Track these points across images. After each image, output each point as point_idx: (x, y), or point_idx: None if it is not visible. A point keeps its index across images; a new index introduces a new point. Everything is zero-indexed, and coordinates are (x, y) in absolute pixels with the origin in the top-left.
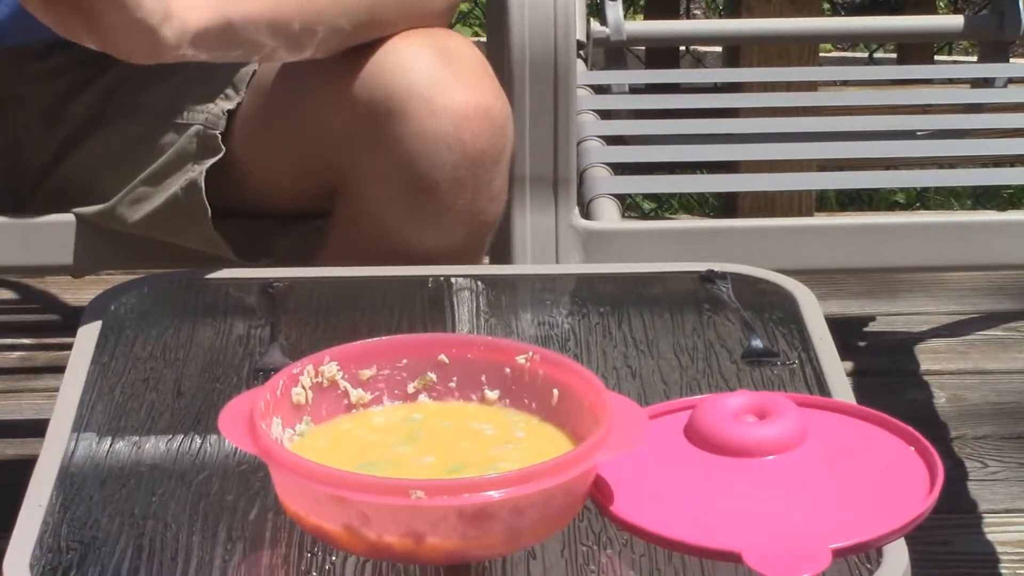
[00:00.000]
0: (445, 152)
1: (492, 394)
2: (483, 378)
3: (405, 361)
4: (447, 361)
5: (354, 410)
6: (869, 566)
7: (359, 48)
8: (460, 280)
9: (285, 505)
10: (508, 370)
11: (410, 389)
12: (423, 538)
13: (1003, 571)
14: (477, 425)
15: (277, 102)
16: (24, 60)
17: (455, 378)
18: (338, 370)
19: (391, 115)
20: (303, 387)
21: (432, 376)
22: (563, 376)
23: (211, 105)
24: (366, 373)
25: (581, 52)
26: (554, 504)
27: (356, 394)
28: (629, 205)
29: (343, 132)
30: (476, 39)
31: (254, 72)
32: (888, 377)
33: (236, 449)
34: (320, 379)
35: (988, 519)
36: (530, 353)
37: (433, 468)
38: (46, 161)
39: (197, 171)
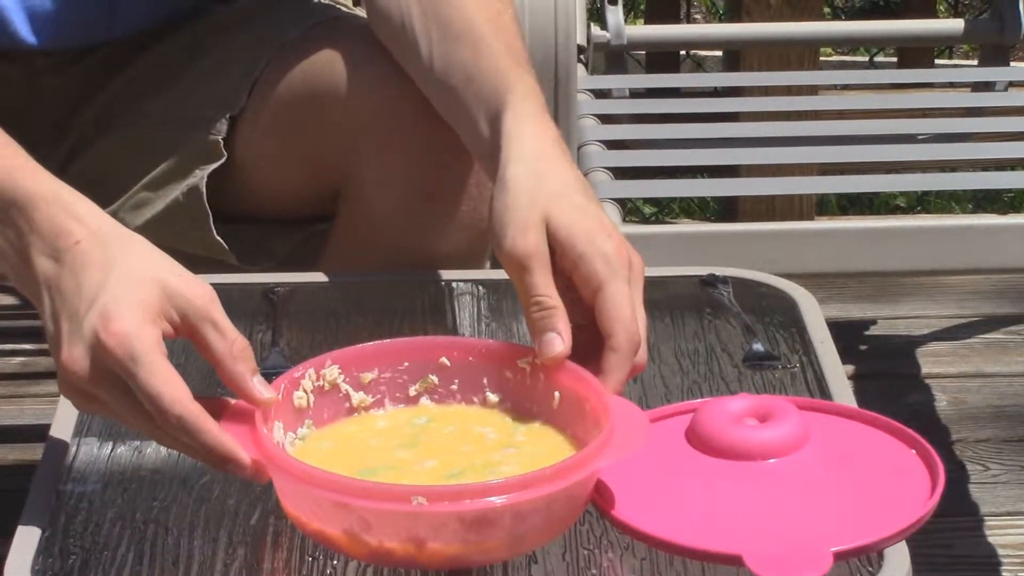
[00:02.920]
0: (449, 159)
1: (493, 397)
2: (485, 381)
3: (407, 364)
4: (448, 364)
5: (356, 413)
6: (870, 569)
7: (364, 55)
8: (462, 284)
9: (286, 509)
10: (509, 374)
11: (411, 392)
12: (424, 543)
13: (1004, 574)
14: (479, 429)
15: (281, 108)
16: (36, 74)
17: (456, 381)
18: (339, 373)
19: (396, 122)
20: (304, 391)
21: (434, 379)
22: (564, 379)
23: (213, 111)
24: (367, 376)
25: (582, 56)
26: (555, 509)
27: (357, 397)
28: (630, 209)
29: (348, 137)
30: None
31: (256, 78)
32: (889, 380)
33: None
34: (322, 382)
35: (989, 522)
36: (531, 357)
37: (434, 472)
38: (54, 169)
39: (199, 177)
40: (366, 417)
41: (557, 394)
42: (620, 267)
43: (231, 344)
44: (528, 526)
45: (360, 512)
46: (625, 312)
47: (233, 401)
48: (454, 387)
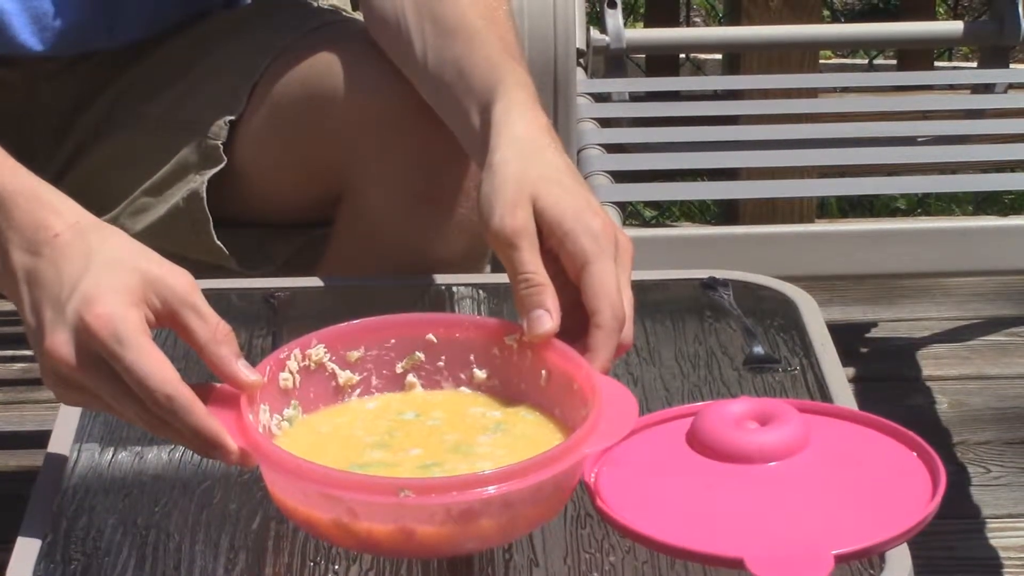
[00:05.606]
0: (448, 163)
1: (481, 373)
2: (472, 357)
3: (393, 341)
4: (435, 340)
5: (344, 397)
6: (872, 571)
7: (363, 59)
8: (462, 288)
9: (274, 496)
10: (496, 350)
11: (398, 369)
12: (412, 533)
13: None
14: (468, 411)
15: (281, 112)
16: (37, 79)
17: (443, 357)
18: (325, 352)
19: (395, 125)
20: (290, 371)
21: (420, 356)
22: (551, 357)
23: (213, 115)
24: (354, 354)
25: (581, 60)
26: (544, 497)
27: (344, 376)
28: (630, 213)
29: (347, 141)
30: None
31: (256, 82)
32: (890, 383)
33: None
34: (307, 362)
35: (991, 524)
36: (519, 334)
37: (418, 459)
38: (53, 175)
39: (199, 181)
40: (354, 407)
41: (544, 372)
42: (607, 244)
43: (214, 329)
44: (516, 514)
45: (348, 503)
46: (611, 289)
47: (218, 386)
48: (441, 364)
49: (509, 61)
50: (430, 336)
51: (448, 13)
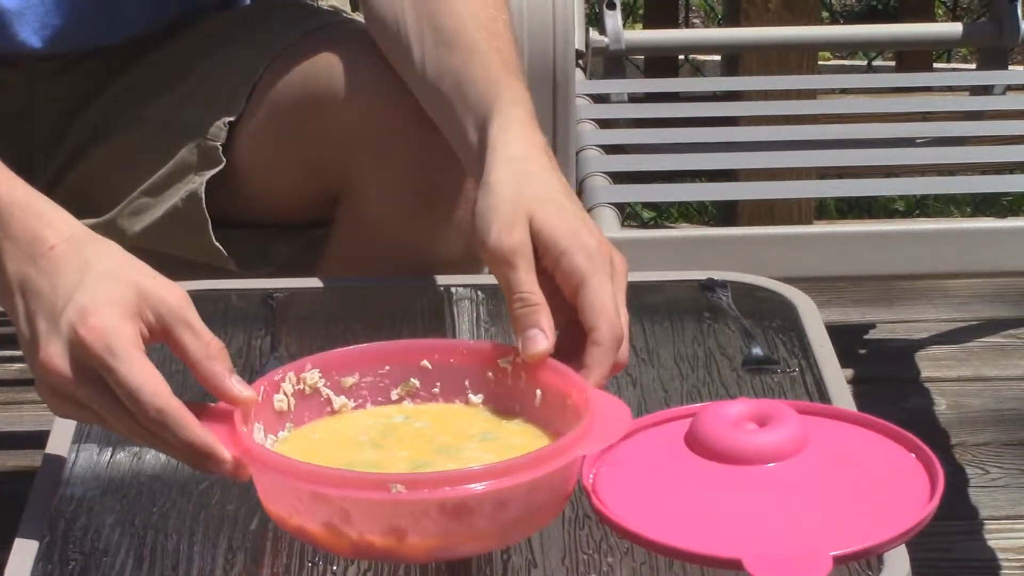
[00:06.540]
0: (446, 164)
1: (475, 399)
2: (466, 383)
3: (388, 368)
4: (430, 367)
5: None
6: (870, 573)
7: (363, 61)
8: (460, 289)
9: (267, 507)
10: (491, 374)
11: (393, 396)
12: (405, 534)
13: None
14: (457, 424)
15: (280, 113)
16: (36, 80)
17: (438, 384)
18: (320, 377)
19: (394, 126)
20: (285, 394)
21: (415, 382)
22: (546, 376)
23: (212, 117)
24: (349, 380)
25: (580, 61)
26: (537, 498)
27: (339, 401)
28: (628, 214)
29: (346, 142)
30: None
31: (255, 83)
32: (888, 384)
33: None
34: (302, 386)
35: (989, 525)
36: (513, 356)
37: (407, 460)
38: (52, 176)
39: (197, 182)
40: (343, 416)
41: (539, 392)
42: (602, 262)
43: (207, 345)
44: (509, 515)
45: (339, 503)
46: (608, 306)
47: (212, 404)
48: (436, 390)
49: (507, 76)
50: (424, 363)
51: (448, 23)
